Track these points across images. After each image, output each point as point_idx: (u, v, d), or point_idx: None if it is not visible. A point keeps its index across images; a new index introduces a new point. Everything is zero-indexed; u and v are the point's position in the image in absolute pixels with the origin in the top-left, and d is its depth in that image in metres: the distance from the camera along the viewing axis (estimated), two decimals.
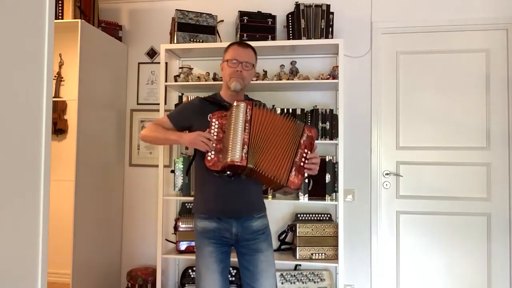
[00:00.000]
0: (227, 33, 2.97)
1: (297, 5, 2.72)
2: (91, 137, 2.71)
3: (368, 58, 2.87)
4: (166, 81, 2.81)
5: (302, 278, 2.66)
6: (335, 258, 2.54)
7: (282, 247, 2.76)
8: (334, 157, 2.66)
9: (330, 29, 2.69)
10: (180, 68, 2.90)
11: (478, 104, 2.77)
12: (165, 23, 3.01)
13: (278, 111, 2.67)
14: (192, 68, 2.86)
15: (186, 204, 2.86)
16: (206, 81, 2.74)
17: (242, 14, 2.74)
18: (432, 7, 2.82)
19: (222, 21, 2.96)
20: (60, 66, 3.26)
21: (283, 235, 2.76)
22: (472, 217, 2.74)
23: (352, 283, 2.82)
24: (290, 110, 2.68)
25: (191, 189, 2.68)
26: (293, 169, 1.74)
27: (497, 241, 2.71)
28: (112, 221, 3.00)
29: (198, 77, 2.77)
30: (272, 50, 2.77)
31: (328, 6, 2.70)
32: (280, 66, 2.78)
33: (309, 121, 2.68)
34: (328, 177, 2.61)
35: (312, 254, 2.55)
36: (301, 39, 2.68)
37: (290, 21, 2.73)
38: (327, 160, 2.62)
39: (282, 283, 2.65)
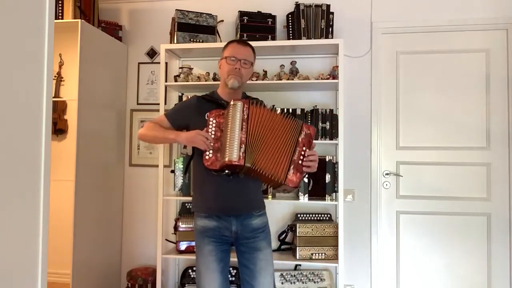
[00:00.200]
0: (227, 33, 2.97)
1: (297, 5, 2.72)
2: (91, 137, 2.71)
3: (368, 58, 2.87)
4: (166, 81, 2.81)
5: (302, 278, 2.66)
6: (335, 258, 2.54)
7: (282, 247, 2.76)
8: (334, 157, 2.66)
9: (330, 29, 2.69)
10: (180, 68, 2.90)
11: (478, 104, 2.77)
12: (165, 23, 3.01)
13: (278, 111, 2.67)
14: (192, 68, 2.86)
15: (186, 204, 2.86)
16: (206, 81, 2.74)
17: (242, 14, 2.74)
18: (432, 7, 2.82)
19: (222, 21, 2.96)
20: (60, 66, 3.26)
21: (283, 235, 2.76)
22: (472, 217, 2.74)
23: (352, 283, 2.82)
24: (290, 110, 2.68)
25: (191, 189, 2.68)
26: (291, 167, 1.74)
27: (497, 241, 2.71)
28: (112, 221, 3.00)
29: (198, 77, 2.77)
30: (272, 50, 2.77)
31: (328, 6, 2.70)
32: (280, 66, 2.78)
33: (309, 121, 2.68)
34: (328, 177, 2.61)
35: (312, 254, 2.55)
36: (301, 39, 2.68)
37: (290, 21, 2.73)
38: (327, 160, 2.62)
39: (282, 283, 2.65)
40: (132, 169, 3.14)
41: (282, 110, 2.67)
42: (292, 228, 2.69)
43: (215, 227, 1.85)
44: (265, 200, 2.01)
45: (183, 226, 2.65)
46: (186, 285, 2.68)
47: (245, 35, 2.71)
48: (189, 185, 2.68)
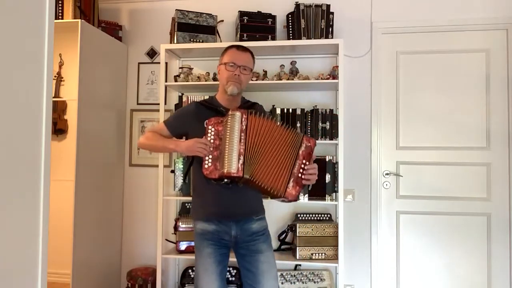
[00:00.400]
0: (227, 33, 2.97)
1: (297, 5, 2.72)
2: (91, 137, 2.71)
3: (368, 58, 2.87)
4: (166, 81, 2.81)
5: (302, 278, 2.66)
6: (335, 258, 2.54)
7: (282, 247, 2.76)
8: (334, 157, 2.66)
9: (330, 29, 2.69)
10: (180, 68, 2.90)
11: (478, 104, 2.77)
12: (165, 23, 3.01)
13: (278, 111, 2.68)
14: (192, 68, 2.86)
15: (186, 204, 2.86)
16: (206, 81, 2.74)
17: (242, 14, 2.74)
18: (432, 7, 2.82)
19: (222, 21, 2.96)
20: (60, 66, 3.26)
21: (283, 235, 2.76)
22: (472, 217, 2.74)
23: (352, 283, 2.82)
24: (290, 110, 2.68)
25: (191, 189, 2.68)
26: (291, 180, 1.72)
27: (497, 241, 2.71)
28: (112, 221, 3.00)
29: (198, 77, 2.77)
30: (272, 50, 2.77)
31: (328, 6, 2.70)
32: (280, 66, 2.78)
33: (309, 121, 2.68)
34: (328, 177, 2.61)
35: (312, 254, 2.55)
36: (301, 39, 2.68)
37: (290, 21, 2.73)
38: (327, 160, 2.62)
39: (282, 283, 2.65)
40: (132, 169, 3.14)
41: (282, 110, 2.68)
42: (292, 228, 2.69)
43: (214, 231, 1.85)
44: (265, 200, 2.02)
45: (183, 226, 2.65)
46: (186, 285, 2.68)
47: (245, 35, 2.71)
48: (189, 185, 2.68)
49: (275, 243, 2.67)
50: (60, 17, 2.72)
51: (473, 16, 2.77)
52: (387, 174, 2.84)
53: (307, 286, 2.65)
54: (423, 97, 2.83)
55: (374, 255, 2.80)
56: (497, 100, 2.75)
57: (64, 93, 3.26)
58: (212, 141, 1.76)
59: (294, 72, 2.72)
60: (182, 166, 2.70)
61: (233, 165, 1.67)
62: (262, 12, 2.78)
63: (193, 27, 2.77)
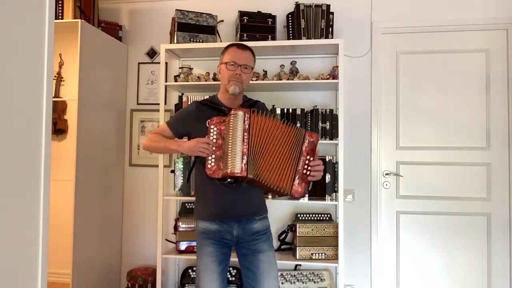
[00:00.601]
0: (227, 33, 2.97)
1: (297, 5, 2.72)
2: (91, 137, 2.71)
3: (368, 58, 2.87)
4: (166, 81, 2.81)
5: (302, 278, 2.66)
6: (335, 258, 2.54)
7: (282, 247, 2.76)
8: (334, 157, 2.66)
9: (330, 29, 2.69)
10: (180, 68, 2.90)
11: (478, 104, 2.77)
12: (165, 23, 3.01)
13: (278, 111, 2.68)
14: (192, 68, 2.86)
15: (186, 204, 2.86)
16: (206, 81, 2.74)
17: (242, 14, 2.74)
18: (432, 7, 2.82)
19: (222, 21, 2.96)
20: (60, 66, 3.26)
21: (283, 235, 2.76)
22: (472, 217, 2.74)
23: (352, 283, 2.82)
24: (290, 110, 2.68)
25: (191, 189, 2.68)
26: (296, 178, 1.73)
27: (497, 241, 2.71)
28: (112, 221, 3.00)
29: (198, 77, 2.77)
30: (272, 50, 2.77)
31: (328, 6, 2.70)
32: (280, 66, 2.78)
33: (309, 121, 2.68)
34: (328, 177, 2.61)
35: (312, 254, 2.55)
36: (301, 39, 2.68)
37: (290, 21, 2.73)
38: (327, 160, 2.62)
39: (282, 283, 2.65)
40: (132, 169, 3.14)
41: (282, 110, 2.68)
42: (292, 228, 2.69)
43: (216, 230, 1.85)
44: (265, 200, 2.02)
45: (183, 226, 2.65)
46: (186, 285, 2.68)
47: (245, 35, 2.71)
48: (189, 185, 2.68)
49: (275, 243, 2.66)
50: (60, 17, 2.72)
51: (473, 16, 2.77)
52: (387, 174, 2.84)
53: (307, 286, 2.65)
54: (423, 97, 2.83)
55: (374, 255, 2.80)
56: (497, 100, 2.75)
57: (64, 93, 3.26)
58: (214, 140, 1.75)
59: (294, 72, 2.72)
60: (182, 166, 2.70)
61: (236, 165, 1.67)
62: (262, 12, 2.78)
63: (193, 27, 2.77)
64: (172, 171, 2.76)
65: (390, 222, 2.83)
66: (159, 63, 3.03)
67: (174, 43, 2.75)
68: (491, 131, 2.74)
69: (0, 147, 0.93)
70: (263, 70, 2.76)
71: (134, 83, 3.16)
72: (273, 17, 2.77)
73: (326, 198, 2.62)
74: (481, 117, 2.76)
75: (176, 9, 2.76)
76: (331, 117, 2.66)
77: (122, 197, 3.13)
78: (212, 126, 1.77)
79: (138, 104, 3.16)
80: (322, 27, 2.68)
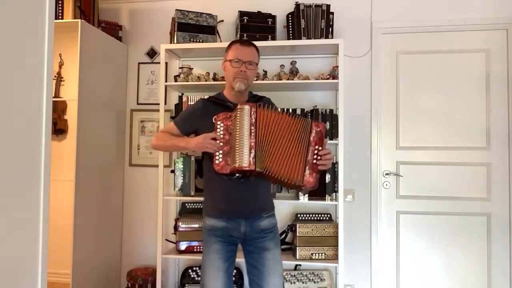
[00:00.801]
0: (227, 33, 2.96)
1: (297, 5, 2.72)
2: (91, 137, 2.71)
3: (368, 58, 2.87)
4: (166, 81, 2.81)
5: (302, 278, 2.66)
6: (335, 258, 2.54)
7: (282, 247, 2.75)
8: (334, 157, 2.66)
9: (330, 29, 2.69)
10: (180, 68, 2.90)
11: (478, 104, 2.77)
12: (165, 23, 3.01)
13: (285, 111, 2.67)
14: (192, 68, 2.86)
15: (186, 204, 2.86)
16: (206, 81, 2.74)
17: (242, 14, 2.74)
18: (432, 7, 2.82)
19: (222, 21, 2.96)
20: (60, 66, 3.26)
21: (283, 235, 2.76)
22: (472, 217, 2.74)
23: (352, 283, 2.82)
24: (290, 110, 2.68)
25: (190, 189, 2.68)
26: (307, 168, 1.74)
27: (497, 241, 2.71)
28: (112, 221, 3.00)
29: (198, 77, 2.76)
30: (272, 50, 2.77)
31: (328, 6, 2.70)
32: (280, 66, 2.78)
33: None
34: (328, 177, 2.61)
35: (312, 254, 2.55)
36: (301, 39, 2.68)
37: (290, 21, 2.73)
38: None
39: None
40: (132, 169, 3.14)
41: (282, 110, 2.64)
42: (292, 228, 2.69)
43: (223, 227, 1.85)
44: (271, 197, 2.02)
45: (183, 226, 2.65)
46: (186, 285, 2.69)
47: (245, 35, 2.71)
48: (189, 185, 2.68)
49: None
50: (60, 17, 2.72)
51: (473, 16, 2.77)
52: (387, 174, 2.84)
53: (307, 286, 2.65)
54: (423, 97, 2.83)
55: (374, 255, 2.80)
56: (497, 100, 2.75)
57: (64, 93, 3.26)
58: (221, 136, 1.76)
59: (294, 72, 2.72)
60: (182, 166, 2.69)
61: (244, 159, 1.68)
62: (262, 12, 2.78)
63: (193, 27, 2.76)
64: (172, 171, 2.76)
65: (390, 222, 2.83)
66: (159, 63, 3.03)
67: (174, 43, 2.75)
68: (491, 131, 2.74)
69: (0, 147, 0.93)
70: (263, 70, 2.76)
71: (134, 83, 3.16)
72: (273, 17, 2.77)
73: (326, 198, 2.62)
74: (481, 117, 2.76)
75: (176, 9, 2.76)
76: (331, 117, 2.66)
77: (122, 197, 3.13)
78: (218, 122, 1.78)
79: (138, 104, 3.16)
80: (322, 27, 2.68)
